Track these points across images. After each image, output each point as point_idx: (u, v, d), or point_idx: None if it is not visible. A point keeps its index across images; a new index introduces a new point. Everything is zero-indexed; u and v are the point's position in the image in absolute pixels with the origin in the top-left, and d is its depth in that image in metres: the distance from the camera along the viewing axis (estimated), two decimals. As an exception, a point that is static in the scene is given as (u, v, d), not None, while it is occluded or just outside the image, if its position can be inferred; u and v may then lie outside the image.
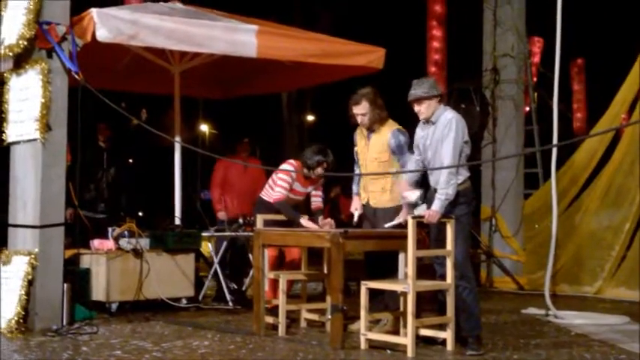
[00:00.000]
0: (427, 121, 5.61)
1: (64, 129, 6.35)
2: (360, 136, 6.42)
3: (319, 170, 6.76)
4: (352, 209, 6.37)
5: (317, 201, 7.05)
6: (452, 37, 13.44)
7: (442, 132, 5.50)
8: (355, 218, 6.33)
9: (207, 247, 8.30)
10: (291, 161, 6.95)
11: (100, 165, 8.70)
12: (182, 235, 7.59)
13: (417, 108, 5.60)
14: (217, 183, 8.59)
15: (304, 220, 6.61)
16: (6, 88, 6.55)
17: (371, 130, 6.30)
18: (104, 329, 6.24)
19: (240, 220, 7.97)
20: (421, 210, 5.68)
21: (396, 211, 6.13)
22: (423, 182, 5.85)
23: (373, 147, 6.27)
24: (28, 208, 6.32)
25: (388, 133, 6.23)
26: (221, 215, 8.47)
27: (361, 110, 6.23)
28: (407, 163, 6.01)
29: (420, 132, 5.71)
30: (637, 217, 9.18)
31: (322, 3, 19.07)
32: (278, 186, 6.83)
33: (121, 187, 8.89)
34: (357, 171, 6.43)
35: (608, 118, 9.51)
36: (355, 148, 6.47)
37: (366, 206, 6.32)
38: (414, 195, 5.66)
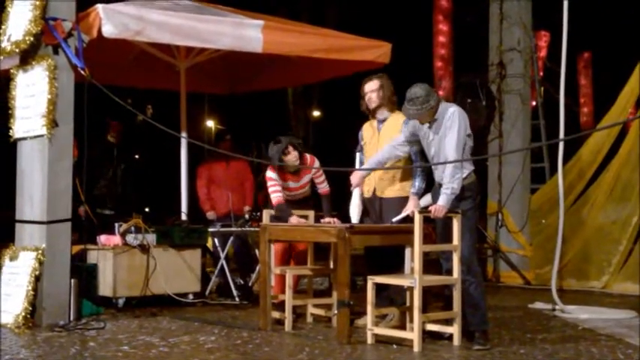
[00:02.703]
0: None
1: (71, 125, 6.36)
2: (367, 131, 6.38)
3: (290, 157, 6.70)
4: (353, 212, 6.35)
5: (322, 187, 7.01)
6: (458, 31, 13.40)
7: (445, 127, 5.49)
8: (356, 218, 6.31)
9: (210, 242, 8.31)
10: (270, 168, 6.89)
11: (110, 161, 8.69)
12: (188, 231, 7.60)
13: (413, 120, 5.64)
14: (203, 184, 8.61)
15: (293, 219, 6.58)
16: (12, 85, 6.56)
17: (380, 119, 6.28)
18: (111, 324, 6.26)
19: (247, 216, 7.99)
20: (426, 200, 5.70)
21: (403, 201, 6.11)
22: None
23: (386, 134, 6.20)
24: (34, 203, 6.34)
25: (401, 119, 6.12)
26: (210, 215, 8.50)
27: (373, 86, 6.21)
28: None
29: (422, 127, 5.69)
30: (644, 211, 9.16)
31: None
32: (270, 192, 6.81)
33: (130, 183, 8.90)
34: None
35: (614, 112, 9.47)
36: (361, 143, 6.44)
37: (371, 198, 6.29)
38: (423, 200, 5.72)
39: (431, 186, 5.82)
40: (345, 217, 6.42)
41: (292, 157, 6.69)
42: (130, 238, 7.22)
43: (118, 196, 8.65)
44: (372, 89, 6.24)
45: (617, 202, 9.48)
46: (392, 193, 6.22)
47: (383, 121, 6.29)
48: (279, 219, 6.65)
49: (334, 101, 22.37)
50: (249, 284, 8.02)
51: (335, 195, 7.07)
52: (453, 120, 5.45)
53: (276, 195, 6.72)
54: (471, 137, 5.56)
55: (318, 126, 23.61)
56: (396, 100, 6.25)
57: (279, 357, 5.16)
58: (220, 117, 26.55)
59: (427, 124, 5.61)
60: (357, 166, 6.42)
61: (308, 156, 6.93)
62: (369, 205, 6.30)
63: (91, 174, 6.90)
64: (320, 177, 6.97)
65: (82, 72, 6.25)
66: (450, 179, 5.37)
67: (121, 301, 7.13)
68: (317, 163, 6.92)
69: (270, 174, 6.78)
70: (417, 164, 6.00)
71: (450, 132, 5.45)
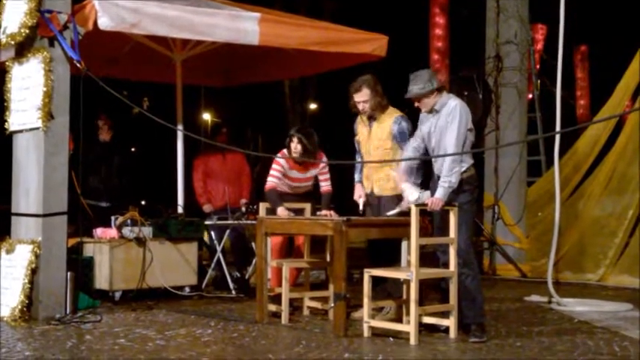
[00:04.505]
0: (431, 110, 5.60)
1: (67, 117, 6.35)
2: (361, 125, 6.40)
3: (294, 147, 6.70)
4: (355, 197, 6.36)
5: (325, 185, 7.00)
6: (455, 24, 13.39)
7: (446, 120, 5.49)
8: (360, 206, 6.32)
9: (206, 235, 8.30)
10: (283, 150, 6.89)
11: (102, 154, 8.63)
12: (185, 224, 7.60)
13: (416, 104, 5.63)
14: (199, 178, 8.57)
15: (280, 210, 6.56)
16: (8, 77, 6.54)
17: (372, 118, 6.29)
18: (107, 318, 6.26)
19: (243, 209, 7.98)
20: (423, 197, 5.68)
21: (400, 198, 6.10)
22: (420, 169, 5.85)
23: (375, 135, 6.25)
24: (30, 196, 6.32)
25: (390, 120, 6.22)
26: (206, 208, 8.49)
27: (362, 97, 6.21)
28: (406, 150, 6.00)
29: (423, 120, 5.70)
30: (640, 204, 9.17)
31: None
32: (269, 175, 6.81)
33: (125, 176, 8.87)
34: (357, 160, 6.41)
35: (611, 105, 9.48)
36: (356, 137, 6.45)
37: (369, 195, 6.31)
38: (412, 196, 5.67)
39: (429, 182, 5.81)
40: (342, 211, 6.42)
41: (292, 149, 6.70)
42: (126, 230, 7.21)
43: (113, 188, 8.61)
44: (363, 99, 6.22)
45: (614, 195, 9.49)
46: (389, 191, 6.23)
47: (374, 119, 6.30)
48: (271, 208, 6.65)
49: (331, 94, 22.34)
50: (246, 277, 8.02)
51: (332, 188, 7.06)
52: (455, 114, 5.45)
53: (271, 180, 6.73)
54: (472, 132, 5.57)
55: (314, 119, 23.58)
56: (386, 102, 6.25)
57: (275, 350, 5.16)
58: (217, 110, 26.52)
59: (428, 116, 5.60)
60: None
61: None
62: (369, 204, 6.32)
63: (85, 167, 6.87)
64: (325, 174, 6.97)
65: (78, 64, 6.24)
66: (448, 172, 5.37)
67: (117, 294, 7.13)
68: (323, 159, 6.91)
69: (278, 158, 6.78)
70: (415, 157, 5.98)
71: (450, 126, 5.45)
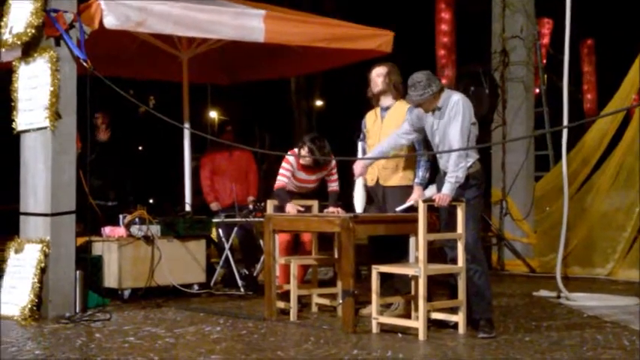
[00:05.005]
0: (433, 109, 5.58)
1: (74, 116, 6.36)
2: (371, 118, 6.38)
3: (303, 153, 6.72)
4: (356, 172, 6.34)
5: (333, 185, 7.01)
6: (460, 19, 13.37)
7: (449, 115, 5.47)
8: (358, 179, 6.30)
9: (214, 233, 8.32)
10: (295, 150, 6.90)
11: (104, 152, 8.61)
12: (193, 222, 7.61)
13: (418, 108, 5.62)
14: (206, 176, 8.58)
15: (289, 206, 6.58)
16: (15, 77, 6.56)
17: (384, 107, 6.26)
18: (117, 316, 6.27)
19: (251, 206, 7.99)
20: (431, 191, 5.67)
21: (406, 190, 6.10)
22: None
23: (389, 123, 6.18)
24: (39, 196, 6.34)
25: (405, 107, 6.15)
26: (214, 206, 8.50)
27: (380, 71, 6.23)
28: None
29: (427, 116, 5.66)
30: (648, 198, 9.14)
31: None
32: (279, 174, 6.83)
33: (128, 175, 8.87)
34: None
35: (618, 99, 9.44)
36: (364, 131, 6.44)
37: (374, 187, 6.29)
38: (428, 191, 5.65)
39: (435, 176, 5.81)
40: (348, 206, 6.42)
41: (304, 154, 6.71)
42: (134, 229, 7.23)
43: (118, 187, 8.61)
44: (378, 74, 6.25)
45: (622, 189, 9.46)
46: (395, 181, 6.21)
47: (387, 109, 6.28)
48: (279, 206, 6.67)
49: (337, 91, 22.35)
50: (254, 274, 8.02)
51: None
52: (457, 108, 5.43)
53: (281, 179, 6.77)
54: (475, 125, 5.54)
55: (320, 116, 23.58)
56: (401, 89, 6.24)
57: (284, 347, 5.17)
58: (223, 107, 26.55)
59: (431, 113, 5.59)
60: (359, 154, 6.42)
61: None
62: (373, 194, 6.30)
63: (91, 166, 6.88)
64: (333, 176, 6.99)
65: (84, 63, 6.25)
66: (455, 168, 5.36)
67: (126, 293, 7.14)
68: (332, 163, 6.93)
69: (288, 157, 6.79)
70: (421, 153, 5.98)
71: (454, 120, 5.43)
